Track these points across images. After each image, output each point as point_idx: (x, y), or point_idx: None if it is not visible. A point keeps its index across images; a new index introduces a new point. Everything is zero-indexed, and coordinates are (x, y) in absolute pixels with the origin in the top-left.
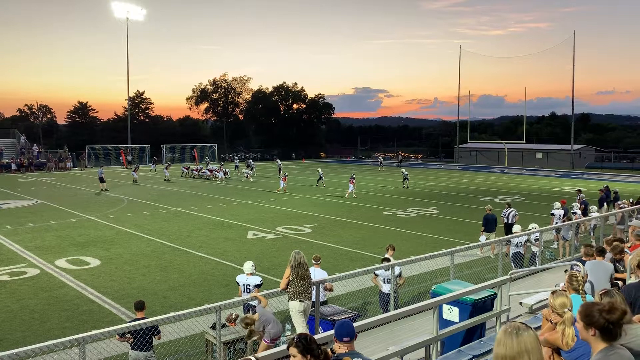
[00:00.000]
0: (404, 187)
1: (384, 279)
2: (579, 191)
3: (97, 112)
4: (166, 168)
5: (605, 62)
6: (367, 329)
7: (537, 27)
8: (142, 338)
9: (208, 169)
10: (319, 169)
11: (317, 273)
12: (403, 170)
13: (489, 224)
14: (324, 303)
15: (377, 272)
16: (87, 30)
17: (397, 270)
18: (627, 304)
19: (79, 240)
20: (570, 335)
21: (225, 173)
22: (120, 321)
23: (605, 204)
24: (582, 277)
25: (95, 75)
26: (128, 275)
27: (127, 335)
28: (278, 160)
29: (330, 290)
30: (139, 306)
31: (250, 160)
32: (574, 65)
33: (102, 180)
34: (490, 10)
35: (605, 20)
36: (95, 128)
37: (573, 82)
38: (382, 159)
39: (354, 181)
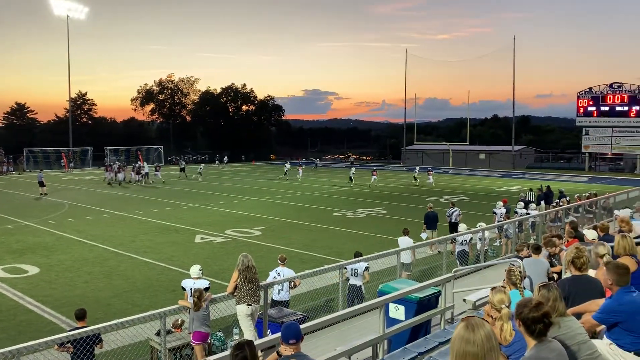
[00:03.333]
0: (415, 183)
1: (352, 272)
2: (531, 190)
3: (36, 113)
4: (106, 170)
5: (544, 67)
6: (316, 330)
7: (481, 31)
8: (83, 347)
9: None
10: (353, 169)
11: (285, 272)
12: (417, 169)
13: (430, 221)
14: (287, 303)
15: (346, 266)
16: (25, 28)
17: (364, 264)
18: (562, 297)
19: (16, 247)
20: (508, 330)
21: (143, 175)
22: (61, 330)
23: (542, 202)
24: (520, 272)
25: (34, 76)
26: (69, 283)
27: (67, 345)
28: (287, 164)
29: (295, 286)
30: (80, 315)
31: (183, 162)
32: (514, 69)
33: (41, 184)
34: (436, 14)
35: (544, 27)
36: (35, 130)
37: (513, 85)
38: (317, 161)
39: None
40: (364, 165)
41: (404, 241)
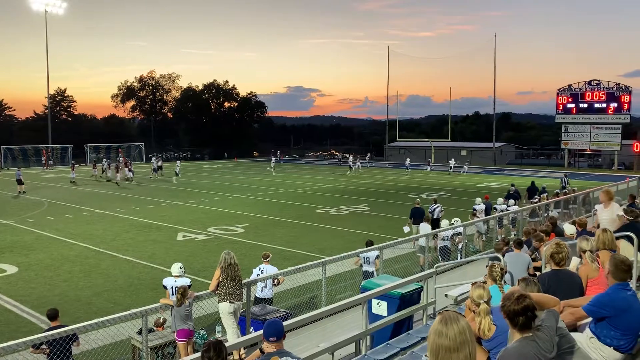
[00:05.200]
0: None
1: (364, 260)
2: (513, 185)
3: (14, 110)
4: (72, 169)
5: (525, 64)
6: (299, 327)
7: (463, 29)
8: (61, 345)
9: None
10: (408, 160)
11: (268, 269)
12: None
13: (417, 216)
14: (270, 300)
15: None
16: (2, 23)
17: (376, 252)
18: (541, 292)
19: None
20: (486, 325)
21: (156, 170)
22: (40, 330)
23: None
24: (502, 269)
25: (12, 72)
26: (49, 282)
27: (42, 347)
28: (350, 157)
29: (278, 283)
30: (52, 315)
31: (160, 160)
32: (495, 67)
33: (20, 182)
34: (420, 12)
35: (525, 25)
36: (12, 127)
37: (494, 83)
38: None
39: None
40: (346, 162)
41: (425, 227)
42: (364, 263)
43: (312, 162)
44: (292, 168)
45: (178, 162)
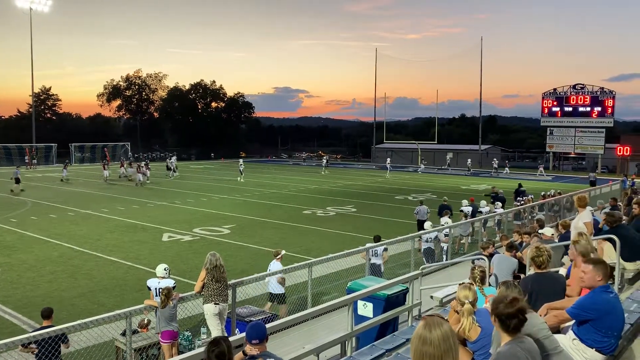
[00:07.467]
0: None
1: (372, 253)
2: (493, 188)
3: None
4: (65, 167)
5: (511, 67)
6: (285, 328)
7: (451, 32)
8: (50, 345)
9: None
10: (468, 160)
11: (272, 266)
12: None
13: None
14: (282, 295)
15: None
16: None
17: (384, 246)
18: (522, 295)
19: None
20: (467, 326)
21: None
22: (22, 332)
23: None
24: (482, 271)
25: None
26: (32, 283)
27: (31, 346)
28: (388, 160)
29: (280, 282)
30: (46, 314)
31: (174, 160)
32: (481, 70)
33: (17, 181)
34: (408, 14)
35: (512, 28)
36: None
37: (481, 85)
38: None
39: None
40: (334, 164)
41: (444, 221)
42: (372, 256)
43: (299, 164)
44: (279, 169)
45: (174, 159)
